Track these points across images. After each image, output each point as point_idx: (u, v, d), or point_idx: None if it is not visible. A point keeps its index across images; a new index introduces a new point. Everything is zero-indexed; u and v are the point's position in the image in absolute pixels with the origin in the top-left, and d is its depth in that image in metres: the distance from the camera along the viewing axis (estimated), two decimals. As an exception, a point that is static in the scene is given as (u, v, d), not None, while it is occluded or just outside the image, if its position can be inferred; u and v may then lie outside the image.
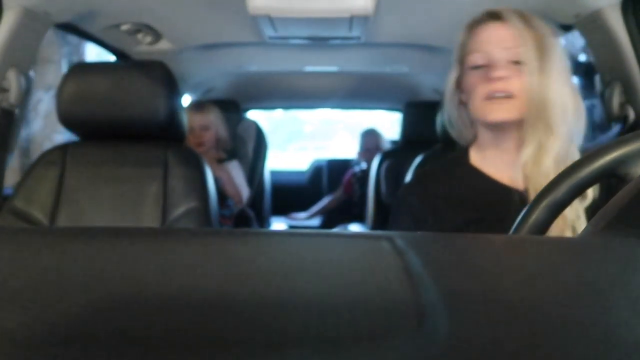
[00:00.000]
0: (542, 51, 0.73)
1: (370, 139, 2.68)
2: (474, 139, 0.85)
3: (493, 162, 0.81)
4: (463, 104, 0.83)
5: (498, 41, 0.76)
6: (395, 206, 0.89)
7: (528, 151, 0.72)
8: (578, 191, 0.41)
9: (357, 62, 2.18)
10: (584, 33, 1.30)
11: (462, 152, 0.86)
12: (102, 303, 0.16)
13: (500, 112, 0.74)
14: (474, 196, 0.78)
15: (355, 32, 1.61)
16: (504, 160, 0.79)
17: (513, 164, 0.76)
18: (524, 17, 0.76)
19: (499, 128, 0.78)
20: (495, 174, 0.80)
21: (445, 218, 0.78)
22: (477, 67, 0.77)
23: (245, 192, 1.83)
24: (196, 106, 1.87)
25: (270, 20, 1.46)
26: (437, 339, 0.14)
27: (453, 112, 0.85)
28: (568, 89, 0.75)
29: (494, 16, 0.78)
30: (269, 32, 1.59)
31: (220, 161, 1.82)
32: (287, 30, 1.60)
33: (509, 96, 0.74)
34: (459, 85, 0.83)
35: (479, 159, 0.83)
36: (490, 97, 0.75)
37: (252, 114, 2.95)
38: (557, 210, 0.41)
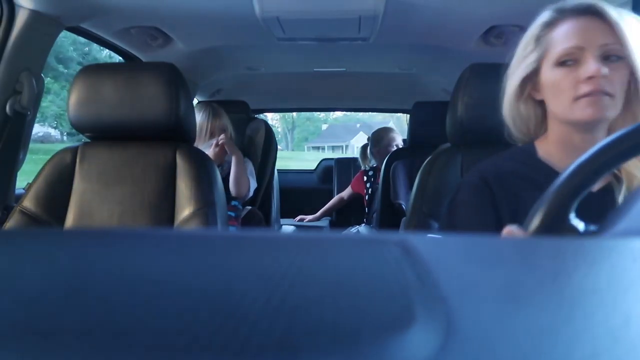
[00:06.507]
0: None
1: (383, 136, 2.65)
2: (538, 135, 0.82)
3: (561, 157, 0.78)
4: (533, 100, 0.80)
5: (593, 36, 0.71)
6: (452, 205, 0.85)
7: None
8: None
9: (365, 63, 2.17)
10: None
11: (529, 148, 0.83)
12: (112, 303, 0.17)
13: (597, 111, 0.71)
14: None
15: (363, 33, 1.61)
16: (575, 157, 0.76)
17: None
18: (616, 10, 0.71)
19: (585, 127, 0.74)
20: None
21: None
22: (563, 63, 0.73)
23: (252, 184, 1.76)
24: (214, 110, 1.77)
25: (279, 21, 1.47)
26: (429, 347, 0.14)
27: (519, 108, 0.82)
28: None
29: (585, 9, 0.73)
30: (277, 33, 1.59)
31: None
32: (295, 32, 1.61)
33: (609, 95, 0.70)
34: (529, 80, 0.79)
35: (547, 154, 0.80)
36: (585, 95, 0.71)
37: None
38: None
